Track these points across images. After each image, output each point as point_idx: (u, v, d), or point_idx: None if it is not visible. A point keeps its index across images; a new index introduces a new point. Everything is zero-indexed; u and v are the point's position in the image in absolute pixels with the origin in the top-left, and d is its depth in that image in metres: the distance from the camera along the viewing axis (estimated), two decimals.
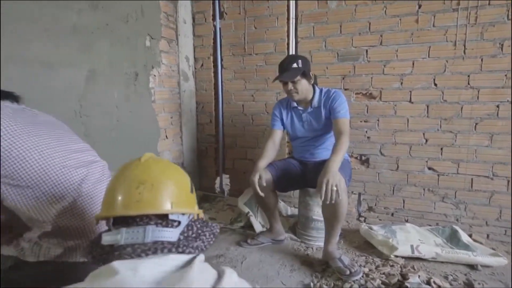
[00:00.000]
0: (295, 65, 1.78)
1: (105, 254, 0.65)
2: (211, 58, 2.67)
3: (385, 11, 2.16)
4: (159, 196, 0.68)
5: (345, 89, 2.31)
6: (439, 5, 2.04)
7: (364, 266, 1.76)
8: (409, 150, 2.22)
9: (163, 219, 0.68)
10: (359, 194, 2.39)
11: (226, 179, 2.78)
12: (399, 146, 2.25)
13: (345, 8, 2.24)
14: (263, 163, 1.88)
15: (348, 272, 1.62)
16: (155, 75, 2.30)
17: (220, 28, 2.60)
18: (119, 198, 0.68)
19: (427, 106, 2.15)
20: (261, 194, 1.77)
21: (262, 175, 1.80)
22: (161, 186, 0.70)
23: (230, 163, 2.75)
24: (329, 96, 1.86)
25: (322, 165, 1.79)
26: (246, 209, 2.30)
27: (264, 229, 2.16)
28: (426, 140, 2.18)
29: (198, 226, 0.76)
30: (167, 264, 0.61)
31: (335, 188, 1.53)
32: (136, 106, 2.13)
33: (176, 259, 0.63)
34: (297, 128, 1.98)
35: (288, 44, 2.42)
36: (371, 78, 2.25)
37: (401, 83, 2.19)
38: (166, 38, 2.40)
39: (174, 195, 0.70)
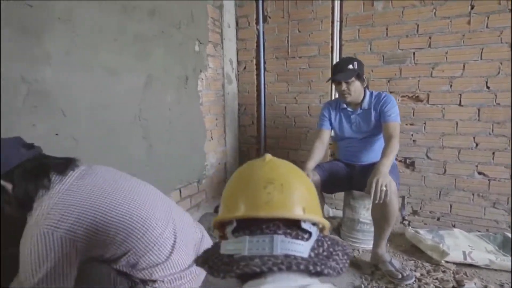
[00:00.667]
0: (350, 66, 1.82)
1: (225, 265, 0.55)
2: (254, 61, 2.73)
3: (435, 12, 2.12)
4: (290, 198, 0.58)
5: (391, 92, 2.30)
6: (494, 5, 1.98)
7: (415, 271, 1.76)
8: (458, 154, 2.18)
9: (292, 229, 0.57)
10: (403, 198, 2.37)
11: None
12: (447, 150, 2.21)
13: (392, 10, 2.22)
14: (311, 164, 1.90)
15: (400, 276, 1.63)
16: (202, 79, 2.39)
17: (263, 32, 2.65)
18: (245, 199, 0.59)
19: (478, 110, 2.10)
20: None
21: (311, 176, 1.84)
22: (292, 187, 0.60)
23: None
24: (380, 99, 1.87)
25: (370, 168, 1.81)
26: None
27: None
28: (477, 144, 2.13)
29: (329, 243, 0.61)
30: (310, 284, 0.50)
31: (384, 188, 1.54)
32: (186, 109, 2.23)
33: (313, 283, 0.52)
34: (345, 129, 2.00)
35: (332, 47, 2.44)
36: (418, 81, 2.22)
37: (450, 86, 2.15)
38: (212, 42, 2.48)
39: (305, 198, 0.60)
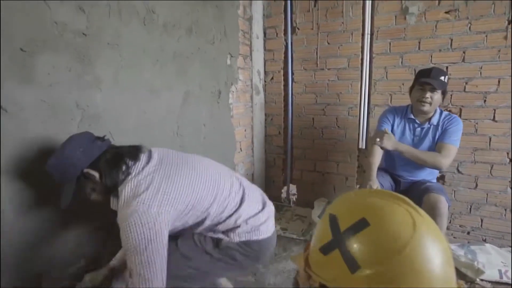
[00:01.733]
0: (442, 78, 1.79)
1: None
2: (282, 71, 2.75)
3: (470, 27, 2.11)
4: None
5: None
6: None
7: None
8: (490, 169, 2.18)
9: None
10: None
11: (293, 189, 2.86)
12: (479, 165, 2.20)
13: (425, 24, 2.21)
14: (375, 171, 1.84)
15: None
16: (233, 91, 2.42)
17: (291, 43, 2.66)
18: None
19: None
20: None
21: (376, 185, 1.78)
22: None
23: (298, 174, 2.83)
24: (450, 120, 1.85)
25: (417, 184, 1.82)
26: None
27: None
28: (510, 160, 2.12)
29: None
30: None
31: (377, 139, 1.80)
32: (218, 122, 2.26)
33: None
34: (406, 140, 1.94)
35: (362, 59, 2.44)
36: (451, 95, 2.21)
37: (484, 101, 2.14)
38: (242, 55, 2.50)
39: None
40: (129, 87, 1.59)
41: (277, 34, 2.71)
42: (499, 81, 2.09)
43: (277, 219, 2.64)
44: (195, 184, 1.15)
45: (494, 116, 2.13)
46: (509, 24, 2.01)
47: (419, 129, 1.92)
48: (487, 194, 2.21)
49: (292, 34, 2.65)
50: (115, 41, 1.49)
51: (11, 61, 1.14)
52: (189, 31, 1.93)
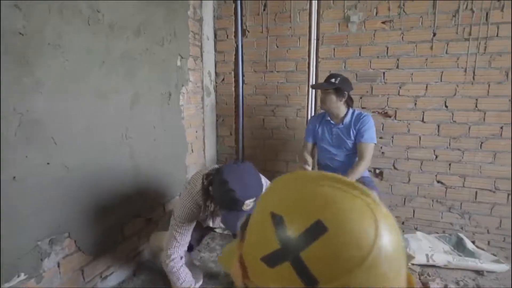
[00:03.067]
0: (333, 80, 2.02)
1: None
2: (233, 73, 2.78)
3: (402, 37, 2.33)
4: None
5: (363, 108, 2.49)
6: (452, 34, 2.22)
7: None
8: (420, 165, 2.44)
9: None
10: None
11: None
12: (411, 161, 2.45)
13: (365, 32, 2.40)
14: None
15: None
16: (183, 93, 2.39)
17: (242, 45, 2.70)
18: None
19: (438, 126, 2.35)
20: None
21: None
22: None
23: None
24: (359, 118, 2.06)
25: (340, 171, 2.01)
26: None
27: None
28: (436, 156, 2.39)
29: None
30: None
31: None
32: (169, 124, 2.23)
33: None
34: (325, 140, 2.19)
35: (309, 63, 2.56)
36: (387, 98, 2.43)
37: (415, 104, 2.38)
38: (193, 56, 2.49)
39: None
40: (74, 90, 1.51)
41: (227, 36, 2.74)
42: (426, 87, 2.34)
43: None
44: None
45: (423, 118, 2.38)
46: (434, 36, 2.26)
47: (335, 129, 2.15)
48: (418, 187, 2.47)
49: (242, 36, 2.69)
50: (56, 42, 1.40)
51: None
52: (137, 32, 1.87)
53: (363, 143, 2.03)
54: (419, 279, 1.91)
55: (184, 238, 1.52)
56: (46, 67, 1.37)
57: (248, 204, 1.22)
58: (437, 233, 2.45)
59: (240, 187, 1.20)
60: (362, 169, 2.00)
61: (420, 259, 2.05)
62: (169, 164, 2.27)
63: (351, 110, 2.11)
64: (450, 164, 2.37)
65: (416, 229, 2.51)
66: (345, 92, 2.05)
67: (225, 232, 2.52)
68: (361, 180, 2.01)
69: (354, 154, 2.12)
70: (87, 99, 1.57)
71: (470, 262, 2.03)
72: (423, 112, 2.37)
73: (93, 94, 1.61)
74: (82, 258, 1.63)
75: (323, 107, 2.12)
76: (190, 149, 2.55)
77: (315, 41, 2.52)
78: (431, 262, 2.05)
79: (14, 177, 1.28)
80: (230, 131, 2.89)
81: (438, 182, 2.42)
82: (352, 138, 2.09)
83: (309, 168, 2.13)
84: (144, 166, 2.01)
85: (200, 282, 1.82)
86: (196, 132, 2.63)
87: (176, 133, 2.34)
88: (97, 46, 1.61)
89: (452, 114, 2.32)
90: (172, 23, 2.19)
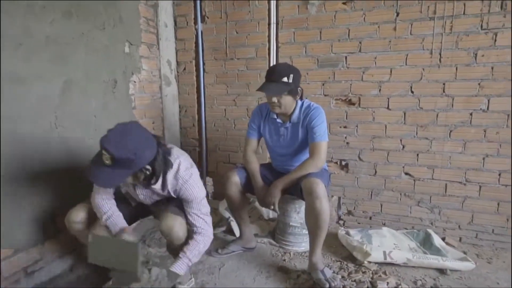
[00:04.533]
0: (285, 79, 1.71)
1: None
2: (194, 62, 2.67)
3: (364, 18, 2.17)
4: None
5: (325, 95, 2.33)
6: (416, 13, 2.05)
7: (337, 273, 1.82)
8: (387, 156, 2.27)
9: None
10: (339, 198, 2.44)
11: (209, 182, 2.81)
12: (377, 152, 2.29)
13: (325, 14, 2.24)
14: (259, 177, 1.94)
15: (327, 285, 1.62)
16: (135, 81, 2.29)
17: (202, 32, 2.59)
18: None
19: (404, 113, 2.18)
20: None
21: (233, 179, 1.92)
22: None
23: (213, 166, 2.78)
24: (308, 114, 1.80)
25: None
26: (227, 214, 2.34)
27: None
28: (403, 146, 2.22)
29: None
30: None
31: (271, 207, 1.81)
32: (115, 114, 2.13)
33: None
34: (274, 141, 1.96)
35: (269, 49, 2.43)
36: (350, 84, 2.27)
37: (379, 90, 2.21)
38: (146, 43, 2.38)
39: None
40: None
41: (187, 23, 2.63)
42: (391, 71, 2.17)
43: None
44: None
45: (388, 105, 2.21)
46: (397, 16, 2.09)
47: (282, 128, 1.90)
48: (385, 180, 2.31)
49: (202, 22, 2.58)
50: None
51: None
52: (68, 14, 1.78)
53: (316, 143, 1.77)
54: (372, 278, 1.76)
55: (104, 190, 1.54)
56: None
57: (105, 156, 1.22)
58: (406, 229, 2.28)
59: (108, 137, 1.24)
60: (310, 169, 1.75)
61: (377, 256, 1.89)
62: None
63: (299, 103, 1.84)
64: (418, 155, 2.20)
65: (384, 224, 2.35)
66: (300, 89, 1.80)
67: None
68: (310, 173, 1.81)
69: (304, 152, 1.93)
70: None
71: (432, 260, 1.86)
72: (388, 99, 2.21)
73: (8, 79, 1.51)
74: None
75: (277, 111, 1.81)
76: None
77: (274, 25, 2.38)
78: (388, 260, 1.88)
79: None
80: (193, 123, 2.78)
81: (406, 174, 2.25)
82: (302, 137, 1.85)
83: (256, 169, 1.95)
84: (82, 155, 1.91)
85: (192, 282, 1.73)
86: (153, 123, 2.53)
87: None
88: (10, 28, 1.51)
89: (419, 100, 2.14)
90: (115, 7, 2.08)
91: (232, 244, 2.07)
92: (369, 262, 1.90)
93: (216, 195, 2.79)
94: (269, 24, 2.39)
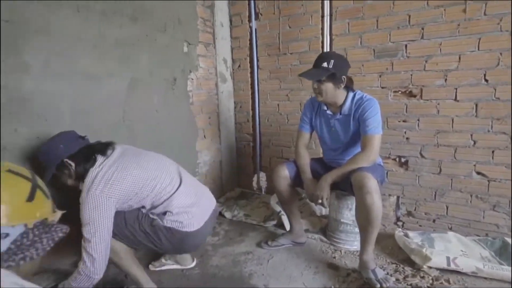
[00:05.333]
0: (325, 64, 1.67)
1: None
2: (248, 59, 2.74)
3: (427, 2, 1.98)
4: None
5: (382, 87, 2.20)
6: None
7: (392, 275, 1.70)
8: (454, 153, 2.04)
9: None
10: (398, 198, 2.27)
11: (262, 176, 2.85)
12: (442, 148, 2.07)
13: (382, 1, 2.11)
14: (308, 172, 1.91)
15: (378, 286, 1.54)
16: (192, 79, 2.44)
17: (256, 29, 2.64)
18: None
19: (476, 105, 1.94)
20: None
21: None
22: None
23: (267, 161, 2.81)
24: (360, 105, 1.72)
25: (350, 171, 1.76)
26: (278, 208, 2.34)
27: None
28: (474, 142, 1.98)
29: (36, 233, 0.76)
30: None
31: (319, 201, 1.71)
32: (174, 109, 2.30)
33: None
34: (325, 134, 1.92)
35: (322, 42, 2.37)
36: (411, 75, 2.10)
37: (445, 80, 2.00)
38: (203, 43, 2.52)
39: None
40: (62, 73, 1.65)
41: (242, 21, 2.70)
42: (459, 58, 1.95)
43: (243, 206, 2.65)
44: (140, 178, 1.43)
45: (456, 96, 1.99)
46: None
47: (332, 120, 1.85)
48: (451, 179, 2.08)
49: (256, 20, 2.63)
50: (44, 29, 1.56)
51: None
52: (134, 19, 1.97)
53: (369, 136, 1.68)
54: (431, 284, 1.60)
55: None
56: (33, 51, 1.52)
57: None
58: (478, 235, 2.02)
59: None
60: (362, 163, 1.66)
61: (439, 261, 1.71)
62: (176, 147, 2.33)
63: (351, 94, 1.77)
64: (493, 152, 1.94)
65: (450, 228, 2.12)
66: (344, 77, 1.71)
67: (234, 218, 2.49)
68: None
69: (355, 146, 1.85)
70: (76, 81, 1.71)
71: (507, 272, 1.62)
72: (456, 89, 1.98)
73: (83, 77, 1.74)
74: None
75: (319, 99, 1.78)
76: (202, 134, 2.58)
77: (328, 17, 2.32)
78: (453, 267, 1.69)
79: (5, 147, 1.46)
80: (247, 118, 2.85)
81: (478, 173, 2.00)
82: (353, 130, 1.78)
83: (306, 163, 1.92)
84: (146, 147, 2.08)
85: (193, 263, 1.87)
86: (209, 118, 2.66)
87: (183, 118, 2.40)
88: (88, 32, 1.74)
89: (494, 89, 1.88)
90: (175, 10, 2.24)
91: (282, 237, 2.07)
92: (430, 267, 1.73)
93: (269, 190, 2.82)
94: (323, 16, 2.34)
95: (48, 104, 1.60)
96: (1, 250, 0.68)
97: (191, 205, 1.52)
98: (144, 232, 1.48)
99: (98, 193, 1.32)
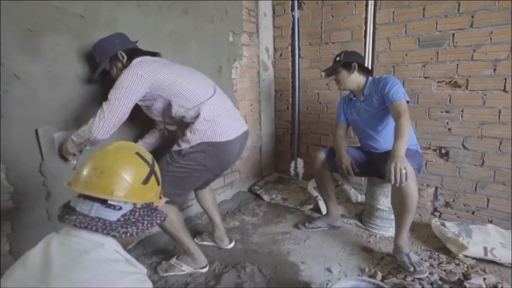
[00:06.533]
0: (338, 58, 1.99)
1: (66, 210, 0.82)
2: (290, 48, 2.81)
3: None
4: (104, 184, 0.80)
5: (425, 77, 2.18)
6: None
7: (426, 261, 1.75)
8: (499, 145, 2.01)
9: (106, 202, 0.81)
10: (436, 188, 2.28)
11: (300, 163, 2.95)
12: (486, 140, 2.05)
13: None
14: (343, 146, 2.02)
15: (411, 269, 1.60)
16: (236, 67, 2.57)
17: (298, 18, 2.69)
18: (80, 175, 0.83)
19: None
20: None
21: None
22: (109, 175, 0.81)
23: (305, 148, 2.90)
24: (380, 82, 1.84)
25: (387, 154, 1.82)
26: (315, 193, 2.45)
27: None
28: None
29: (141, 213, 0.86)
30: (71, 243, 0.75)
31: (404, 171, 1.49)
32: None
33: (87, 239, 0.76)
34: (355, 118, 2.04)
35: (365, 31, 2.38)
36: (457, 65, 2.07)
37: (494, 70, 1.96)
38: (247, 32, 2.62)
39: (120, 186, 0.81)
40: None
41: (284, 10, 2.77)
42: (511, 47, 1.89)
43: (281, 190, 2.77)
44: (176, 72, 1.54)
45: (504, 86, 1.95)
46: None
47: (358, 104, 2.00)
48: (494, 172, 2.05)
49: (298, 9, 2.68)
50: (110, 22, 1.75)
51: (21, 39, 1.44)
52: (185, 11, 2.12)
53: (395, 103, 1.72)
54: (466, 271, 1.64)
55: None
56: None
57: None
58: None
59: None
60: (406, 126, 1.63)
61: (475, 251, 1.74)
62: None
63: (370, 79, 1.94)
64: None
65: (490, 221, 2.10)
66: (354, 63, 1.91)
67: (272, 201, 2.63)
68: (406, 152, 1.73)
69: (387, 125, 1.91)
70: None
71: None
72: (505, 80, 1.93)
73: None
74: None
75: (341, 88, 2.02)
76: (244, 120, 2.71)
77: (372, 6, 2.32)
78: (490, 257, 1.71)
79: None
80: (287, 106, 2.94)
81: None
82: (377, 106, 1.87)
83: (342, 145, 2.02)
84: None
85: (231, 244, 2.01)
86: (251, 105, 2.79)
87: None
88: (146, 25, 1.91)
89: None
90: (223, 2, 2.36)
91: (319, 220, 2.18)
92: (466, 256, 1.76)
93: (306, 176, 2.92)
94: (366, 5, 2.34)
95: None
96: (112, 219, 0.80)
97: (222, 116, 1.57)
98: (180, 166, 1.53)
99: (138, 71, 1.43)
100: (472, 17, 1.98)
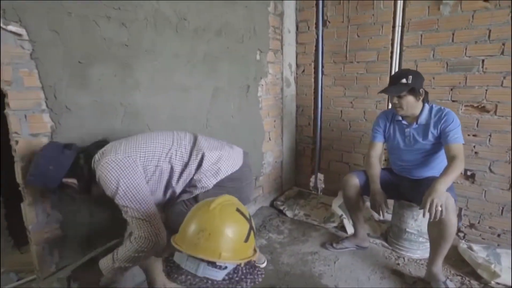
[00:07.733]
0: (404, 80, 1.80)
1: (170, 265, 0.86)
2: (313, 64, 2.83)
3: (511, 16, 1.96)
4: (212, 246, 0.82)
5: (453, 101, 2.22)
6: None
7: None
8: None
9: (213, 262, 0.83)
10: (460, 209, 2.31)
11: (320, 177, 2.98)
12: None
13: (461, 14, 2.10)
14: (378, 182, 1.99)
15: None
16: (262, 85, 2.58)
17: (322, 36, 2.71)
18: (186, 236, 0.85)
19: None
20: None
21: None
22: (217, 238, 0.83)
23: (326, 164, 2.93)
24: (441, 117, 1.80)
25: (422, 182, 1.85)
26: (340, 212, 2.48)
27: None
28: None
29: (244, 271, 0.89)
30: None
31: (440, 208, 1.53)
32: (247, 114, 2.46)
33: None
34: (398, 142, 1.98)
35: (392, 52, 2.41)
36: (486, 90, 2.10)
37: None
38: (272, 50, 2.64)
39: (226, 246, 0.83)
40: (163, 88, 1.85)
41: (308, 27, 2.78)
42: None
43: (303, 206, 2.80)
44: (150, 136, 1.40)
45: None
46: None
47: (408, 130, 1.92)
48: None
49: (323, 27, 2.70)
50: (151, 49, 1.75)
51: (72, 72, 1.45)
52: (219, 33, 2.13)
53: (452, 144, 1.73)
54: None
55: None
56: (142, 70, 1.73)
57: None
58: None
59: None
60: (459, 170, 1.67)
61: (508, 278, 1.78)
62: (247, 150, 2.50)
63: (427, 107, 1.86)
64: None
65: None
66: (422, 89, 1.82)
67: (295, 218, 2.66)
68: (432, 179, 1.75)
69: (431, 156, 1.92)
70: (173, 94, 1.91)
71: None
72: None
73: (178, 90, 1.94)
74: None
75: (401, 113, 1.88)
76: (268, 137, 2.74)
77: (399, 28, 2.34)
78: None
79: None
80: (309, 122, 2.96)
81: None
82: (431, 139, 1.85)
83: (377, 174, 2.01)
84: None
85: (265, 263, 2.04)
86: (275, 121, 2.81)
87: (254, 122, 2.56)
88: (183, 48, 1.92)
89: None
90: (252, 21, 2.37)
91: (346, 240, 2.21)
92: (497, 283, 1.80)
93: (326, 191, 2.95)
94: (394, 27, 2.37)
95: (152, 116, 1.82)
96: (218, 279, 0.83)
97: (218, 153, 1.48)
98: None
99: (119, 157, 1.22)
100: (503, 44, 2.01)
